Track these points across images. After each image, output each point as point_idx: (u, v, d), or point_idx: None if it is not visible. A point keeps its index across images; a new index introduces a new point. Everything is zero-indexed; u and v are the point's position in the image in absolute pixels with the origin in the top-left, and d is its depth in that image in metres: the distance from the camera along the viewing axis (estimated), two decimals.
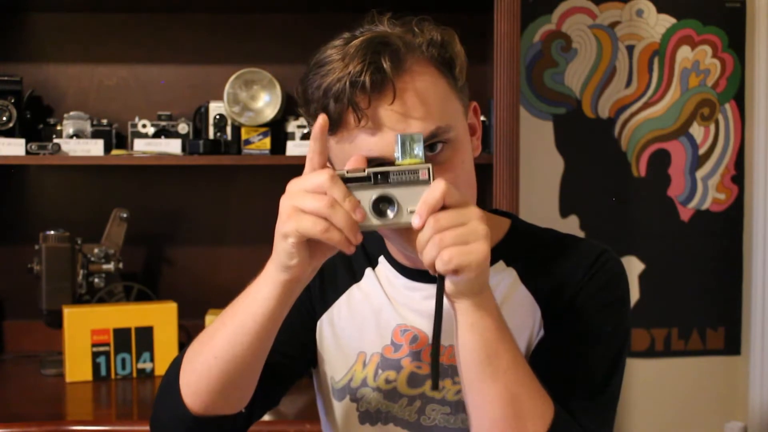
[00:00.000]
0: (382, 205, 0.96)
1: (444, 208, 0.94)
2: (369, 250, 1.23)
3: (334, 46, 1.03)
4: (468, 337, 0.99)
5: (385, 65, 0.99)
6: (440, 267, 0.93)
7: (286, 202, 0.95)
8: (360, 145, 1.01)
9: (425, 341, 1.15)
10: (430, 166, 0.96)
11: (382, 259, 1.22)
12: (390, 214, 0.96)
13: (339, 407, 1.20)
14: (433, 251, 0.93)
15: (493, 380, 0.99)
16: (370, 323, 1.18)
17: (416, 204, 0.95)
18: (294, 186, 0.96)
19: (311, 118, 1.04)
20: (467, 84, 1.11)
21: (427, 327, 1.16)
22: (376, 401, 1.17)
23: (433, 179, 0.96)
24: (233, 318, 1.05)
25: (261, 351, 1.06)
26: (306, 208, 0.93)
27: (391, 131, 1.00)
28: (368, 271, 1.22)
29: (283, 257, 0.96)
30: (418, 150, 0.97)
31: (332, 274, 1.23)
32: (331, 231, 0.93)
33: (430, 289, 1.15)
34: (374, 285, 1.20)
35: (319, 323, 1.22)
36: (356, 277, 1.22)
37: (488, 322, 0.98)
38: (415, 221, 0.94)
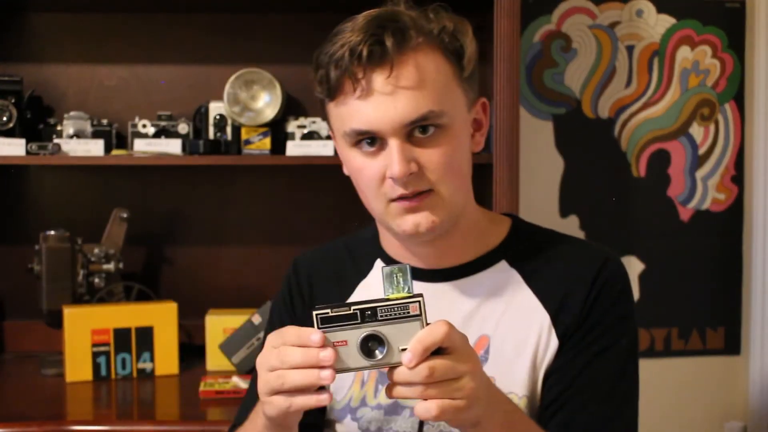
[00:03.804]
0: (371, 343, 0.89)
1: (439, 350, 0.89)
2: (360, 257, 1.22)
3: (350, 19, 1.06)
4: None
5: (386, 39, 1.01)
6: (420, 412, 0.89)
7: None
8: (352, 111, 1.04)
9: None
10: (420, 299, 0.89)
11: (378, 264, 1.20)
12: (379, 354, 0.89)
13: (340, 428, 1.18)
14: (416, 394, 0.89)
15: None
16: None
17: (407, 341, 0.88)
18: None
19: (317, 84, 1.07)
20: (476, 79, 1.12)
21: None
22: (377, 420, 1.15)
23: (425, 313, 0.89)
24: None
25: None
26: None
27: (382, 99, 1.01)
28: (361, 284, 1.21)
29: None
30: (406, 282, 0.90)
31: (323, 294, 1.21)
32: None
33: (434, 287, 1.14)
34: (366, 298, 1.19)
35: None
36: (346, 293, 1.20)
37: None
38: (407, 361, 0.88)
